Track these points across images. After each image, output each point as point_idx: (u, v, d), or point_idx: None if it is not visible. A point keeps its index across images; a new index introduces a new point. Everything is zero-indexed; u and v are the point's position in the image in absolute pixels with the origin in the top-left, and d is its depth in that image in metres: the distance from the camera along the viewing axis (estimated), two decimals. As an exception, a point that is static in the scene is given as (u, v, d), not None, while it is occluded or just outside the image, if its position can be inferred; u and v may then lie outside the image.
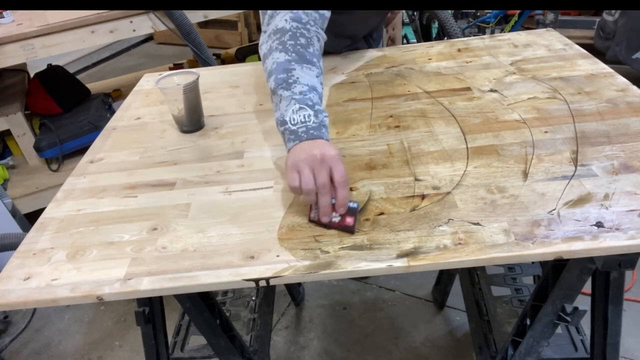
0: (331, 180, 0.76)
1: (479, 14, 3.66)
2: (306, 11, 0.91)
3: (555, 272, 0.93)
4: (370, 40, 1.45)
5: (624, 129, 0.91)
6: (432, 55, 1.30)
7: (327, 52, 1.36)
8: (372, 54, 1.35)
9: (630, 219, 0.70)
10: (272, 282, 0.69)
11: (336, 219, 0.76)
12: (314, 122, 0.80)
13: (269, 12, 0.94)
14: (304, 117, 0.80)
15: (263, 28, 0.96)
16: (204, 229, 0.79)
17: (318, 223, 0.77)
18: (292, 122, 0.80)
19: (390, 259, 0.69)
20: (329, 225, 0.76)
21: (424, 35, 3.21)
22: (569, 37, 1.30)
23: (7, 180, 2.25)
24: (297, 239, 0.75)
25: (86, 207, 0.88)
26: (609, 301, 0.94)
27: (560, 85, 1.08)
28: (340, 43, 1.36)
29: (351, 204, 0.76)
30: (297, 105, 0.80)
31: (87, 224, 0.83)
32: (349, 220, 0.75)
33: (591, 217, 0.72)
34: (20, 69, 2.59)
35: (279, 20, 0.90)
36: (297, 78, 0.83)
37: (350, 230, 0.75)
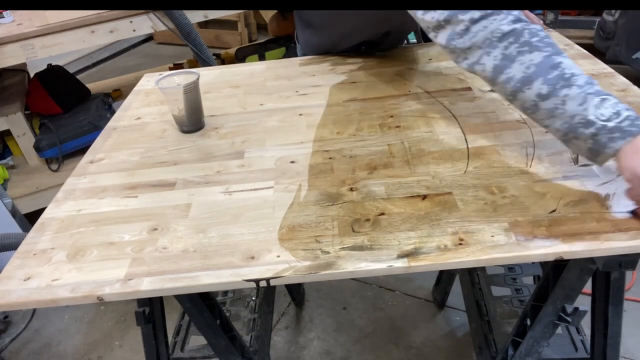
0: None
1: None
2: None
3: (556, 272, 0.93)
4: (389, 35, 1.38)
5: (624, 129, 0.91)
6: (433, 56, 1.30)
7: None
8: (373, 53, 1.35)
9: (630, 219, 0.70)
10: (272, 282, 0.69)
11: None
12: (626, 110, 0.67)
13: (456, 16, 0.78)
14: (613, 107, 0.67)
15: (464, 59, 0.82)
16: (205, 229, 0.79)
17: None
18: (603, 119, 0.66)
19: (391, 259, 0.69)
20: None
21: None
22: (569, 37, 1.30)
23: (7, 180, 2.24)
24: (297, 240, 0.75)
25: (86, 207, 0.88)
26: (609, 301, 0.94)
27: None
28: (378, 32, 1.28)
29: None
30: (597, 99, 0.67)
31: (88, 224, 0.83)
32: None
33: (591, 217, 0.71)
34: (20, 69, 2.59)
35: (496, 24, 0.76)
36: (573, 71, 0.70)
37: None
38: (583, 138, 0.69)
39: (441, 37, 0.82)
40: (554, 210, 0.74)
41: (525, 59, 0.73)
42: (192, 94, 1.06)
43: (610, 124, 0.66)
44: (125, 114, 1.21)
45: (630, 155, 0.65)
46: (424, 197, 0.80)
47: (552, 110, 0.70)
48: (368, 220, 0.77)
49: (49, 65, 2.55)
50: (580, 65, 1.13)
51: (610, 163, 0.73)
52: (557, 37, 1.31)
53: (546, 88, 0.70)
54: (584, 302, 0.93)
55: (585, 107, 0.67)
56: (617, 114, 0.67)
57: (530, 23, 0.76)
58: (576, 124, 0.68)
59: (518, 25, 0.74)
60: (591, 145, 0.69)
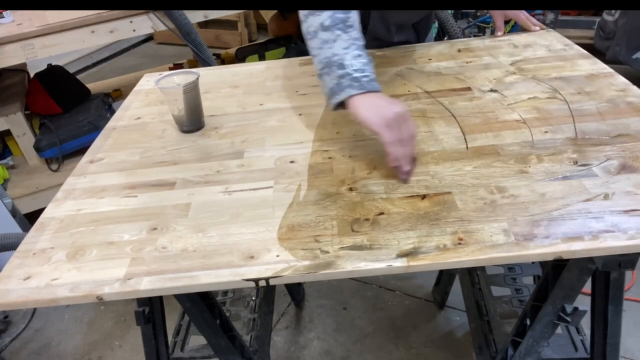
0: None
1: (479, 14, 3.65)
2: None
3: (555, 272, 0.93)
4: (419, 28, 1.42)
5: (624, 129, 0.91)
6: (432, 56, 1.30)
7: (380, 40, 1.35)
8: (372, 54, 1.35)
9: (629, 219, 0.70)
10: (271, 282, 0.69)
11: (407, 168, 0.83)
12: (372, 73, 0.79)
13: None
14: (363, 64, 0.79)
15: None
16: (204, 228, 0.79)
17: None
18: (353, 68, 0.78)
19: (390, 258, 0.69)
20: (402, 173, 0.83)
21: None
22: (569, 37, 1.30)
23: (7, 180, 2.25)
24: (297, 239, 0.75)
25: (86, 207, 0.88)
26: (609, 301, 0.94)
27: (561, 85, 1.08)
28: (390, 32, 1.33)
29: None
30: (357, 52, 0.79)
31: (87, 224, 0.83)
32: (408, 168, 0.83)
33: (591, 217, 0.72)
34: (20, 69, 2.59)
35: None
36: (354, 23, 0.81)
37: (405, 178, 0.83)
38: (332, 76, 0.80)
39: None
40: (553, 210, 0.74)
41: (322, 14, 0.83)
42: (192, 93, 1.06)
43: (356, 75, 0.78)
44: (125, 113, 1.21)
45: (360, 104, 0.78)
46: (424, 196, 0.80)
47: (324, 42, 0.81)
48: (367, 219, 0.77)
49: (49, 65, 2.55)
50: (580, 65, 1.14)
51: (608, 164, 0.73)
52: (557, 37, 1.31)
53: (329, 22, 0.81)
54: (583, 302, 0.93)
55: (346, 53, 0.79)
56: (363, 70, 0.79)
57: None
58: (333, 62, 0.79)
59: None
60: (334, 85, 0.80)
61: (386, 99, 0.80)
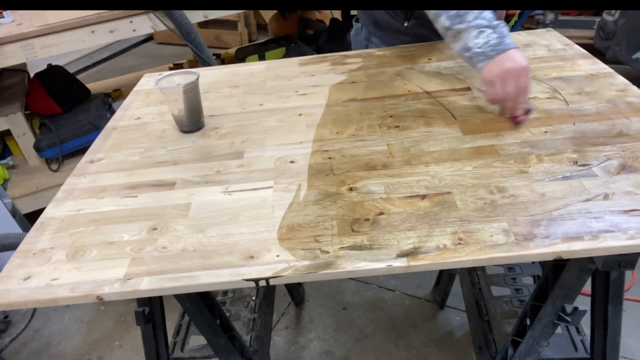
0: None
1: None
2: None
3: (555, 272, 0.93)
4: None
5: (623, 129, 0.91)
6: (433, 55, 1.30)
7: (424, 22, 1.34)
8: (372, 54, 1.35)
9: (629, 219, 0.70)
10: (271, 282, 0.69)
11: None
12: (495, 39, 0.91)
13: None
14: (485, 37, 0.92)
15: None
16: (204, 228, 0.79)
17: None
18: (477, 46, 0.93)
19: (390, 258, 0.69)
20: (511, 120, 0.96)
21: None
22: (569, 37, 1.30)
23: (7, 180, 2.25)
24: (297, 239, 0.75)
25: (86, 207, 0.88)
26: (608, 301, 0.94)
27: (560, 85, 1.08)
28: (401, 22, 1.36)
29: (527, 106, 0.94)
30: (476, 31, 0.93)
31: (87, 224, 0.83)
32: (521, 117, 0.95)
33: (591, 217, 0.72)
34: (20, 69, 2.59)
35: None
36: (466, 11, 0.94)
37: (517, 125, 0.96)
38: (466, 58, 0.97)
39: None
40: (553, 210, 0.74)
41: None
42: (192, 94, 1.06)
43: (480, 50, 0.93)
44: (125, 114, 1.21)
45: (487, 70, 0.92)
46: (424, 196, 0.80)
47: (451, 37, 0.99)
48: (367, 220, 0.77)
49: (49, 65, 2.55)
50: (580, 65, 1.14)
51: (607, 164, 0.74)
52: (557, 37, 1.31)
53: (448, 22, 0.97)
54: (583, 302, 0.93)
55: (468, 38, 0.94)
56: (487, 43, 0.92)
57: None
58: (463, 49, 0.96)
59: None
60: (471, 63, 0.96)
61: (507, 57, 0.91)
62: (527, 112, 0.95)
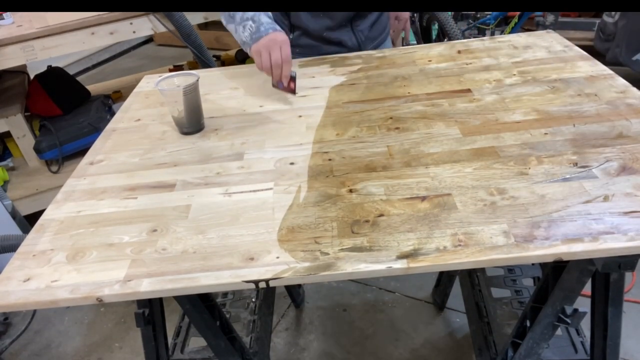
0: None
1: (479, 15, 3.66)
2: None
3: (555, 273, 0.93)
4: (355, 30, 1.38)
5: (623, 130, 0.91)
6: (432, 57, 1.30)
7: (307, 32, 1.35)
8: (372, 55, 1.35)
9: (629, 221, 0.70)
10: (271, 283, 0.69)
11: (282, 86, 1.19)
12: (254, 28, 1.13)
13: None
14: (249, 29, 1.14)
15: None
16: (204, 230, 0.79)
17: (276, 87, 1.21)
18: (245, 40, 1.15)
19: (390, 260, 0.69)
20: (281, 89, 1.21)
21: (424, 36, 3.21)
22: (569, 39, 1.30)
23: (7, 182, 2.25)
24: (296, 241, 0.75)
25: (86, 209, 0.88)
26: (608, 303, 0.94)
27: (560, 86, 1.08)
28: (318, 22, 1.33)
29: (292, 74, 1.15)
30: (241, 27, 1.15)
31: (87, 226, 0.83)
32: (292, 85, 1.17)
33: (591, 219, 0.72)
34: (20, 71, 2.60)
35: None
36: (234, 15, 1.17)
37: (292, 91, 1.19)
38: (246, 51, 1.17)
39: None
40: (553, 212, 0.74)
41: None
42: (192, 95, 1.06)
43: (247, 41, 1.15)
44: (125, 115, 1.21)
45: (253, 47, 1.14)
46: (423, 198, 0.80)
47: (234, 34, 1.20)
48: (367, 221, 0.77)
49: (49, 67, 2.55)
50: (580, 67, 1.14)
51: (607, 166, 0.74)
52: (557, 39, 1.31)
53: (224, 23, 1.21)
54: (583, 304, 0.93)
55: (239, 35, 1.17)
56: (250, 32, 1.14)
57: None
58: (241, 45, 1.18)
59: None
60: (243, 47, 1.18)
61: (266, 37, 1.11)
62: (292, 78, 1.16)
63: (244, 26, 1.14)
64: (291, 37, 1.37)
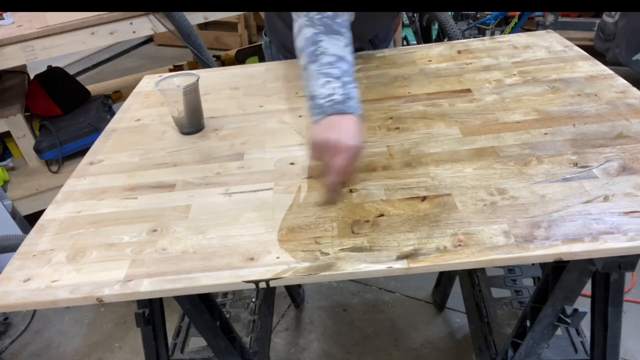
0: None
1: (479, 15, 3.66)
2: None
3: (555, 273, 0.93)
4: (376, 41, 1.43)
5: (623, 130, 0.91)
6: (432, 57, 1.30)
7: None
8: (372, 55, 1.35)
9: (630, 221, 0.70)
10: (272, 283, 0.69)
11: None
12: (340, 95, 0.80)
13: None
14: (332, 89, 0.80)
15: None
16: (204, 230, 0.79)
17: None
18: (320, 96, 0.80)
19: (390, 260, 0.69)
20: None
21: (424, 36, 3.21)
22: (569, 39, 1.30)
23: (7, 182, 2.25)
24: (297, 241, 0.75)
25: (86, 209, 0.88)
26: (609, 303, 0.94)
27: (560, 86, 1.08)
28: None
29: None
30: (324, 79, 0.81)
31: (87, 226, 0.83)
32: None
33: (591, 219, 0.72)
34: (20, 71, 2.60)
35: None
36: (325, 49, 0.83)
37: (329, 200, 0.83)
38: (308, 106, 0.84)
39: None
40: (553, 212, 0.74)
41: (305, 31, 0.87)
42: (192, 95, 1.06)
43: (320, 102, 0.80)
44: (125, 115, 1.21)
45: (316, 128, 0.80)
46: (424, 198, 0.80)
47: (305, 79, 0.86)
48: (367, 221, 0.77)
49: (49, 67, 2.56)
50: (580, 67, 1.14)
51: (607, 166, 0.74)
52: (557, 39, 1.31)
53: (305, 60, 0.85)
54: (583, 304, 0.93)
55: (315, 84, 0.82)
56: (331, 95, 0.80)
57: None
58: (309, 95, 0.84)
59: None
60: (309, 112, 0.84)
61: (340, 125, 0.79)
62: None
63: (327, 82, 0.81)
64: None
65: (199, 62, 2.29)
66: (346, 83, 0.81)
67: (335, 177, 0.79)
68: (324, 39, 0.84)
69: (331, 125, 0.79)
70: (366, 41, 1.42)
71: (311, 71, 0.83)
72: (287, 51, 1.38)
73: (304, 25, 0.87)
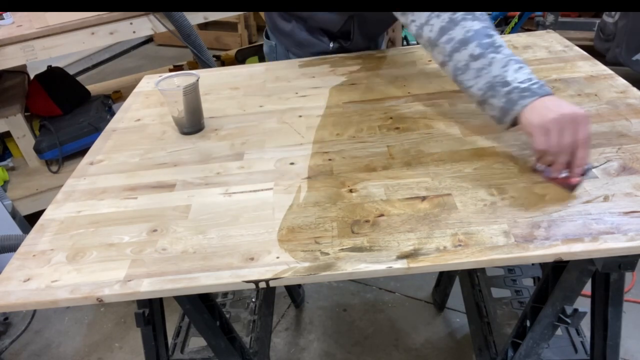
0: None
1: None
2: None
3: (555, 273, 0.93)
4: (380, 40, 1.44)
5: (623, 130, 0.91)
6: (432, 57, 1.30)
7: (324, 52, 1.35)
8: (372, 55, 1.35)
9: (630, 221, 0.70)
10: (271, 283, 0.69)
11: (563, 175, 0.77)
12: (536, 79, 0.79)
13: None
14: (528, 74, 0.79)
15: (412, 21, 0.93)
16: (204, 230, 0.79)
17: (542, 174, 0.81)
18: (519, 81, 0.78)
19: (390, 260, 0.69)
20: (553, 179, 0.79)
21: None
22: (569, 39, 1.30)
23: (7, 182, 2.25)
24: (297, 241, 0.75)
25: (86, 209, 0.88)
26: (608, 303, 0.94)
27: (560, 86, 1.08)
28: (317, 38, 1.33)
29: (587, 166, 0.76)
30: (516, 65, 0.80)
31: (87, 226, 0.83)
32: (575, 179, 0.76)
33: (591, 219, 0.72)
34: (20, 71, 2.60)
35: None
36: (502, 43, 0.83)
37: (571, 188, 0.77)
38: (499, 96, 0.80)
39: None
40: (553, 212, 0.74)
41: (467, 24, 0.85)
42: (192, 95, 1.06)
43: (523, 85, 0.78)
44: (125, 115, 1.21)
45: (530, 111, 0.77)
46: (424, 198, 0.80)
47: (480, 70, 0.82)
48: (367, 221, 0.77)
49: (49, 67, 2.55)
50: (580, 67, 1.14)
51: (607, 166, 0.73)
52: (557, 39, 1.31)
53: (479, 50, 0.82)
54: (583, 304, 0.93)
55: (506, 70, 0.80)
56: (530, 79, 0.79)
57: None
58: (496, 83, 0.80)
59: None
60: (504, 103, 0.80)
61: (558, 101, 0.77)
62: (584, 172, 0.77)
63: (520, 67, 0.80)
64: (332, 45, 1.35)
65: (199, 62, 2.29)
66: (532, 72, 0.81)
67: (586, 148, 0.75)
68: (494, 33, 0.84)
69: (550, 104, 0.76)
70: (374, 41, 1.42)
71: (496, 59, 0.80)
72: (299, 48, 1.37)
73: (462, 19, 0.85)
